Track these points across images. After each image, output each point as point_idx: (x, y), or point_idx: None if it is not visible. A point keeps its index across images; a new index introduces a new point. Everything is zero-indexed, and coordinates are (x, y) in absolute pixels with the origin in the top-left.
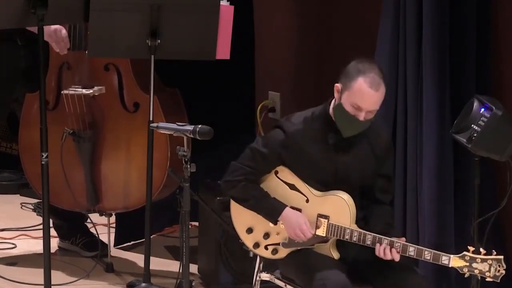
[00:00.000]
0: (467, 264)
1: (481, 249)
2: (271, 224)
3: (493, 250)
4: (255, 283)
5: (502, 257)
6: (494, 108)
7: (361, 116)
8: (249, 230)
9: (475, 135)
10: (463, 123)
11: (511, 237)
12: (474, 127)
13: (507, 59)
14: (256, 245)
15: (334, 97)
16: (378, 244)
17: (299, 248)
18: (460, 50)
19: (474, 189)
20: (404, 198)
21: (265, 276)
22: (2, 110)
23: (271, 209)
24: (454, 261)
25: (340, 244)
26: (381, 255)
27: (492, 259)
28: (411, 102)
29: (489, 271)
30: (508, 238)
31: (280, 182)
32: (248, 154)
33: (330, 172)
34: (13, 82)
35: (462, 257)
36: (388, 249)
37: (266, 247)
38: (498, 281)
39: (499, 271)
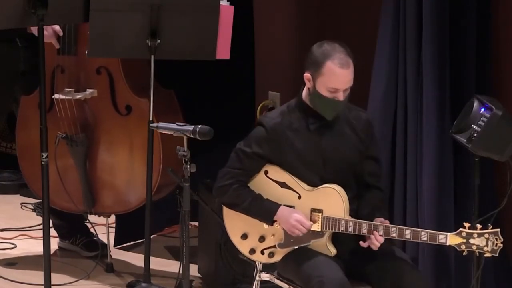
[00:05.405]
0: (464, 240)
1: (477, 225)
2: (265, 226)
3: (489, 224)
4: (255, 283)
5: (498, 230)
6: (494, 108)
7: (340, 96)
8: (244, 236)
9: (475, 135)
10: (463, 123)
11: (511, 237)
12: (474, 127)
13: (507, 59)
14: (252, 251)
15: (304, 86)
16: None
17: (295, 247)
18: (460, 50)
19: (474, 189)
20: (404, 198)
21: (265, 276)
22: (2, 110)
23: (265, 211)
24: (451, 239)
25: (336, 240)
26: (366, 245)
27: (489, 233)
28: (411, 102)
29: (486, 245)
30: (508, 238)
31: (271, 182)
32: (234, 157)
33: (318, 158)
34: (13, 83)
35: (459, 234)
36: (370, 239)
37: (262, 252)
38: (497, 254)
39: (496, 244)
